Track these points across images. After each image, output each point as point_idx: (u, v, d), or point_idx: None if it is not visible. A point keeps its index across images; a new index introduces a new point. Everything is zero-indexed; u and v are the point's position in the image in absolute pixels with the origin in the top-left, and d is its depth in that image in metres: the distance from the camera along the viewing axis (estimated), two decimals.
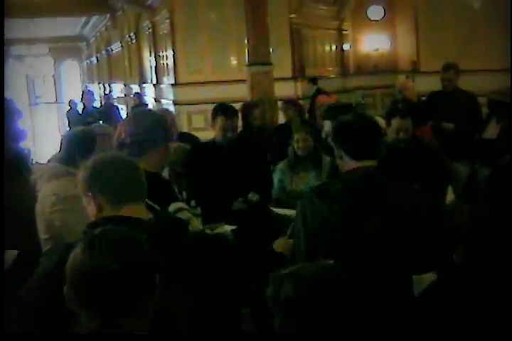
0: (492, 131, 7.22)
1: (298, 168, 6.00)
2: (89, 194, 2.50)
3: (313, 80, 14.79)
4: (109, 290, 1.87)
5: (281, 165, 6.08)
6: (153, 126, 3.18)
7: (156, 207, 2.86)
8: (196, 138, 7.25)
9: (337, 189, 2.89)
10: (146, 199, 2.68)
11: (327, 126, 4.54)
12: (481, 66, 13.68)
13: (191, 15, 16.52)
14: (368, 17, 19.45)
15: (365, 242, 2.78)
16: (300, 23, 16.63)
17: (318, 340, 2.02)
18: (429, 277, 2.75)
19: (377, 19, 19.17)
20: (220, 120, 5.30)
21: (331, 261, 2.25)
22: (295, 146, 5.98)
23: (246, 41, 11.74)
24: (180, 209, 3.05)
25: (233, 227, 3.61)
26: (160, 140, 3.18)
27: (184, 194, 3.29)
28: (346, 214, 2.83)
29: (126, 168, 2.55)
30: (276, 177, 5.98)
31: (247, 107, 7.71)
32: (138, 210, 2.53)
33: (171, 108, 16.76)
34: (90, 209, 2.54)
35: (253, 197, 5.32)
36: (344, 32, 19.91)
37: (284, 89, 14.44)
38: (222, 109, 5.41)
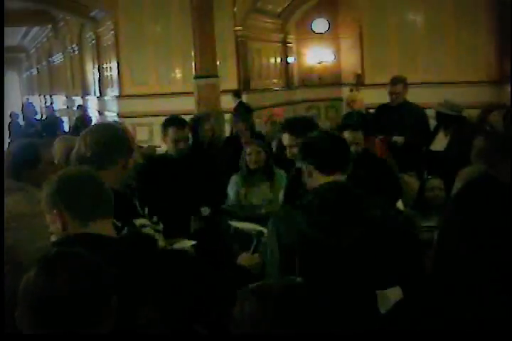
0: (440, 142, 7.35)
1: (251, 181, 5.99)
2: (55, 211, 2.43)
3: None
4: (59, 314, 1.81)
5: (234, 178, 6.06)
6: (114, 139, 3.12)
7: (117, 223, 2.79)
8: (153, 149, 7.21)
9: (313, 204, 2.88)
10: None
11: (286, 139, 4.52)
12: (423, 79, 13.92)
13: (136, 26, 16.41)
14: (312, 30, 19.62)
15: (343, 256, 2.78)
16: (245, 36, 16.66)
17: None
18: (393, 291, 2.74)
19: (321, 32, 19.34)
20: (171, 132, 5.26)
21: (299, 279, 2.22)
22: (247, 159, 5.96)
23: (192, 54, 11.71)
24: (143, 226, 2.99)
25: (194, 242, 3.57)
26: (121, 153, 3.12)
27: (146, 209, 3.22)
28: (324, 228, 2.82)
29: (93, 183, 2.48)
30: (231, 190, 5.95)
31: (197, 120, 7.67)
32: (105, 227, 2.47)
33: (115, 120, 16.64)
34: (54, 227, 2.46)
35: (205, 211, 5.29)
36: (289, 45, 20.03)
37: (230, 102, 14.43)
38: (174, 121, 5.37)
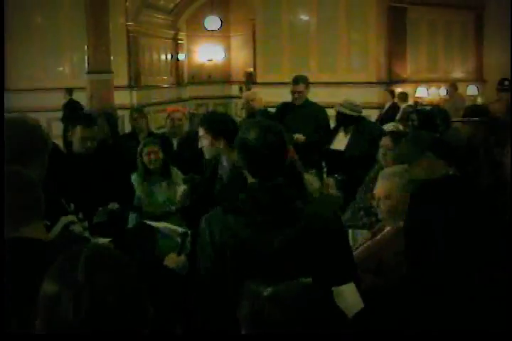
0: (339, 142, 7.47)
1: (149, 180, 5.95)
2: None
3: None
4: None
5: (134, 177, 5.98)
6: (30, 134, 2.97)
7: (47, 222, 2.66)
8: (56, 146, 6.96)
9: (247, 204, 2.83)
10: None
11: (200, 131, 4.50)
12: (316, 79, 14.15)
13: (22, 18, 15.82)
14: (204, 27, 19.58)
15: (274, 256, 2.74)
16: (137, 31, 16.44)
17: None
18: (348, 287, 2.74)
19: (214, 29, 19.33)
20: (79, 130, 5.08)
21: (309, 279, 2.17)
22: (145, 159, 5.91)
23: (85, 48, 11.43)
24: (71, 223, 2.86)
25: (109, 239, 3.46)
26: (39, 149, 2.98)
27: (72, 206, 3.08)
28: (257, 229, 2.78)
29: (24, 186, 2.34)
30: (137, 188, 5.88)
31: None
32: (37, 230, 2.33)
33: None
34: None
35: (113, 206, 5.15)
36: (180, 41, 19.91)
37: (120, 98, 14.18)
38: (81, 118, 5.21)
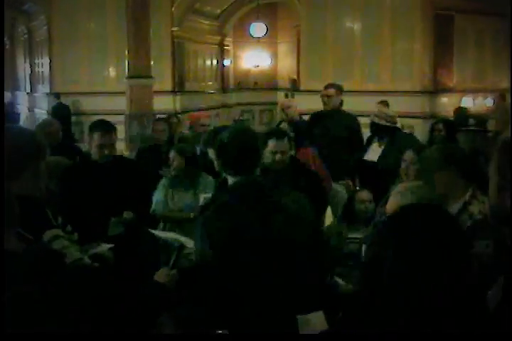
0: (373, 153, 7.30)
1: (176, 186, 5.85)
2: None
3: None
4: None
5: (163, 181, 5.90)
6: (21, 143, 2.89)
7: (29, 236, 2.60)
8: (78, 149, 6.96)
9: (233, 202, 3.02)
10: (18, 229, 2.42)
11: (211, 152, 4.35)
12: (359, 87, 14.00)
13: (70, 23, 16.02)
14: (250, 34, 19.55)
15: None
16: (182, 37, 16.48)
17: None
18: (316, 316, 2.63)
19: (259, 36, 19.28)
20: (97, 136, 5.01)
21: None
22: (170, 164, 5.85)
23: (126, 53, 11.49)
24: (56, 237, 2.80)
25: (111, 245, 3.39)
26: (30, 160, 2.90)
27: (60, 219, 3.02)
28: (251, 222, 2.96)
29: None
30: (158, 193, 5.78)
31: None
32: (7, 242, 2.27)
33: (44, 117, 16.21)
34: None
35: (127, 215, 5.06)
36: (226, 47, 19.92)
37: (164, 103, 14.25)
38: (99, 125, 5.13)
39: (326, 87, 7.85)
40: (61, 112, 14.23)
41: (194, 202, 5.63)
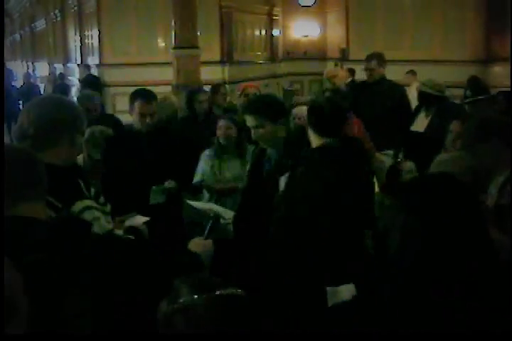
0: (420, 123, 7.16)
1: (223, 156, 5.80)
2: None
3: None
4: None
5: (207, 152, 5.86)
6: (60, 114, 2.90)
7: (59, 204, 2.61)
8: (118, 121, 6.98)
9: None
10: (48, 197, 2.43)
11: (249, 120, 4.30)
12: (409, 57, 13.74)
13: None
14: (298, 3, 19.33)
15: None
16: (230, 7, 16.38)
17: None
18: (346, 288, 2.60)
19: (308, 5, 19.05)
20: (137, 105, 5.03)
21: (239, 290, 2.03)
22: (218, 134, 5.77)
23: (173, 23, 11.45)
24: (87, 208, 2.80)
25: (146, 218, 3.38)
26: (68, 130, 2.90)
27: (93, 190, 3.02)
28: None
29: (25, 163, 2.28)
30: (204, 164, 5.74)
31: (191, 92, 7.41)
32: (37, 209, 2.28)
33: None
34: None
35: (169, 184, 5.07)
36: (275, 17, 19.73)
37: (212, 73, 14.21)
38: (141, 94, 5.14)
39: (368, 60, 7.73)
40: (90, 83, 14.35)
41: (242, 171, 5.59)
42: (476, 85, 6.25)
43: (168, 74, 13.38)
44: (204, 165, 5.77)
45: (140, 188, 4.87)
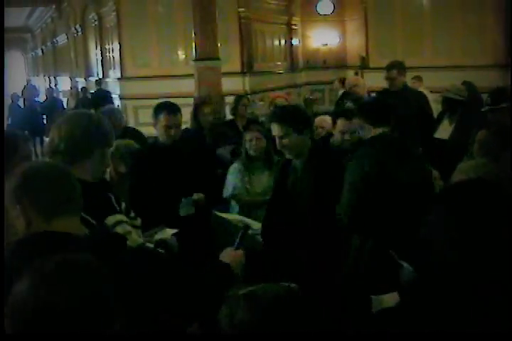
0: (444, 130, 7.12)
1: (251, 169, 5.78)
2: (18, 206, 2.27)
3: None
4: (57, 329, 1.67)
5: (236, 166, 5.84)
6: (88, 130, 2.94)
7: (92, 220, 2.64)
8: (141, 135, 7.02)
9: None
10: (82, 213, 2.47)
11: (275, 129, 4.33)
12: (429, 63, 13.72)
13: (138, 7, 16.19)
14: (317, 12, 19.37)
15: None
16: (249, 17, 16.44)
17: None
18: (390, 298, 2.61)
19: (326, 14, 19.08)
20: (162, 118, 5.06)
21: (293, 284, 2.07)
22: (247, 146, 5.75)
23: (193, 35, 11.52)
24: (119, 222, 2.84)
25: (175, 230, 3.41)
26: (97, 145, 2.95)
27: (123, 204, 3.06)
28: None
29: (59, 178, 2.32)
30: (234, 178, 5.73)
31: (196, 104, 7.47)
32: (72, 224, 2.31)
33: (117, 102, 16.46)
34: (19, 223, 2.31)
35: (197, 196, 5.08)
36: (293, 27, 19.78)
37: (233, 84, 14.26)
38: (165, 106, 5.17)
39: (388, 69, 7.71)
40: (99, 98, 14.50)
41: (272, 185, 5.59)
42: (497, 93, 6.19)
43: (189, 86, 13.47)
44: (234, 178, 5.74)
45: (168, 200, 4.89)
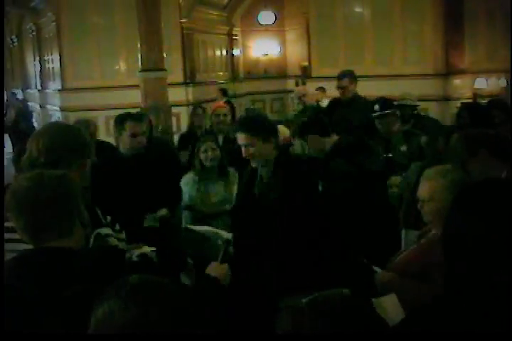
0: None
1: (205, 179, 5.81)
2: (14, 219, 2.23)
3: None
4: None
5: (189, 176, 5.86)
6: (68, 141, 2.91)
7: None
8: (111, 146, 6.96)
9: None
10: None
11: (241, 138, 4.35)
12: (371, 72, 13.94)
13: (78, 18, 15.95)
14: (258, 22, 19.51)
15: None
16: (191, 28, 16.42)
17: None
18: (389, 299, 2.64)
19: (268, 24, 19.24)
20: (129, 126, 5.01)
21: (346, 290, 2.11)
22: (202, 157, 5.77)
23: (139, 46, 11.46)
24: (106, 236, 2.81)
25: (153, 248, 3.39)
26: (76, 156, 2.92)
27: (108, 217, 3.03)
28: None
29: (52, 191, 2.28)
30: (188, 189, 5.75)
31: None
32: (73, 240, 2.28)
33: (57, 114, 16.24)
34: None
35: (162, 211, 5.07)
36: (234, 37, 19.87)
37: (176, 95, 14.21)
38: (129, 115, 5.14)
39: (339, 78, 7.84)
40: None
41: (228, 194, 5.63)
42: (383, 101, 6.64)
43: (133, 97, 13.39)
44: (190, 188, 5.76)
45: (133, 216, 4.83)
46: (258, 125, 4.33)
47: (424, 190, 3.40)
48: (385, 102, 6.63)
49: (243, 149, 4.33)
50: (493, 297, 1.71)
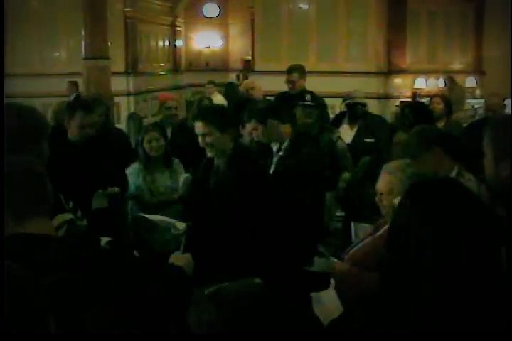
0: (345, 135, 7.36)
1: (151, 169, 5.80)
2: None
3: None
4: None
5: (135, 166, 5.83)
6: (21, 122, 2.83)
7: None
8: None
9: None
10: None
11: (199, 127, 4.35)
12: (314, 68, 14.05)
13: (19, 4, 15.63)
14: (202, 14, 19.43)
15: None
16: (135, 17, 16.25)
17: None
18: (327, 293, 2.68)
19: (212, 17, 19.19)
20: (78, 116, 4.89)
21: (257, 280, 2.12)
22: (147, 147, 5.75)
23: (83, 33, 11.27)
24: (70, 221, 2.77)
25: (109, 238, 3.37)
26: (33, 138, 2.85)
27: (71, 203, 2.98)
28: None
29: (32, 175, 2.23)
30: (134, 179, 5.71)
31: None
32: (43, 225, 2.23)
33: None
34: None
35: (113, 190, 4.92)
36: (177, 28, 19.74)
37: (117, 84, 14.03)
38: (82, 104, 5.02)
39: (289, 72, 7.89)
40: None
41: (174, 182, 5.62)
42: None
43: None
44: (136, 178, 5.73)
45: (82, 200, 4.77)
46: (216, 115, 4.34)
47: (383, 184, 3.48)
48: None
49: (200, 138, 4.35)
50: (429, 292, 1.77)
